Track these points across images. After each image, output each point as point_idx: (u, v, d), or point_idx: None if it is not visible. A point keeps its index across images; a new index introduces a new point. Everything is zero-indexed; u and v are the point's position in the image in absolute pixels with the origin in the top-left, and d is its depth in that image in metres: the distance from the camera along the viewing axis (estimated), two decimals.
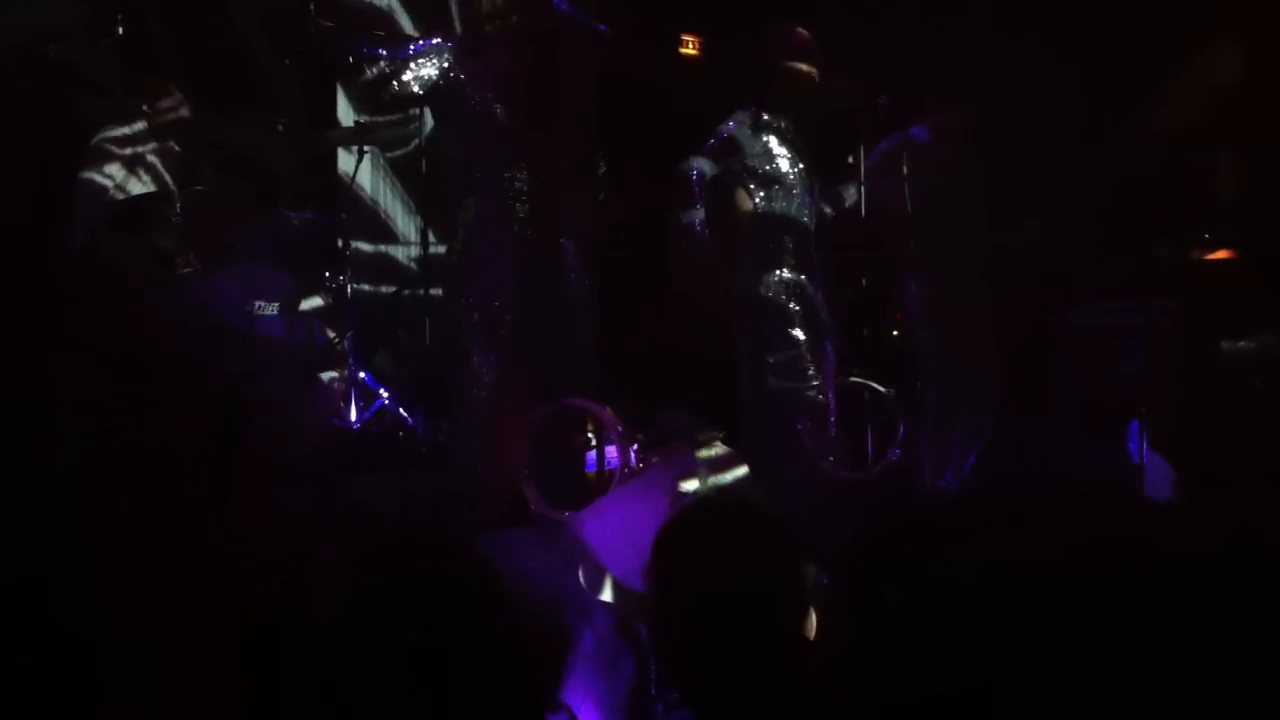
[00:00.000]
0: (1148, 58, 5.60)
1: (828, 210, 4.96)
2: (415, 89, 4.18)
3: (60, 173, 5.23)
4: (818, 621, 2.13)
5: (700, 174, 4.60)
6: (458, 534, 3.89)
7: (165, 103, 5.21)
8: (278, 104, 5.52)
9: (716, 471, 3.77)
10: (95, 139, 5.18)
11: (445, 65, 4.12)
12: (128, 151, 5.24)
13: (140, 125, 5.22)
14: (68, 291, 4.95)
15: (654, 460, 3.82)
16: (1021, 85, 5.78)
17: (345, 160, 6.35)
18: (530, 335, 4.17)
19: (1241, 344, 4.51)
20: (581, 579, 3.26)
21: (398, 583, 1.66)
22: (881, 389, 4.60)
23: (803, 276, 4.73)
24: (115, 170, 5.21)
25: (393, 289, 6.40)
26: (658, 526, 2.97)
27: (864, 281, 4.91)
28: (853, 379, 4.63)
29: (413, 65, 4.16)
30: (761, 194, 4.73)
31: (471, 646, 1.63)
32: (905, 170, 5.19)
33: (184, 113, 5.19)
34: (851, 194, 4.94)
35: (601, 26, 4.05)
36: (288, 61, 5.28)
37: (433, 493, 4.72)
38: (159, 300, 4.81)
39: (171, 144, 5.31)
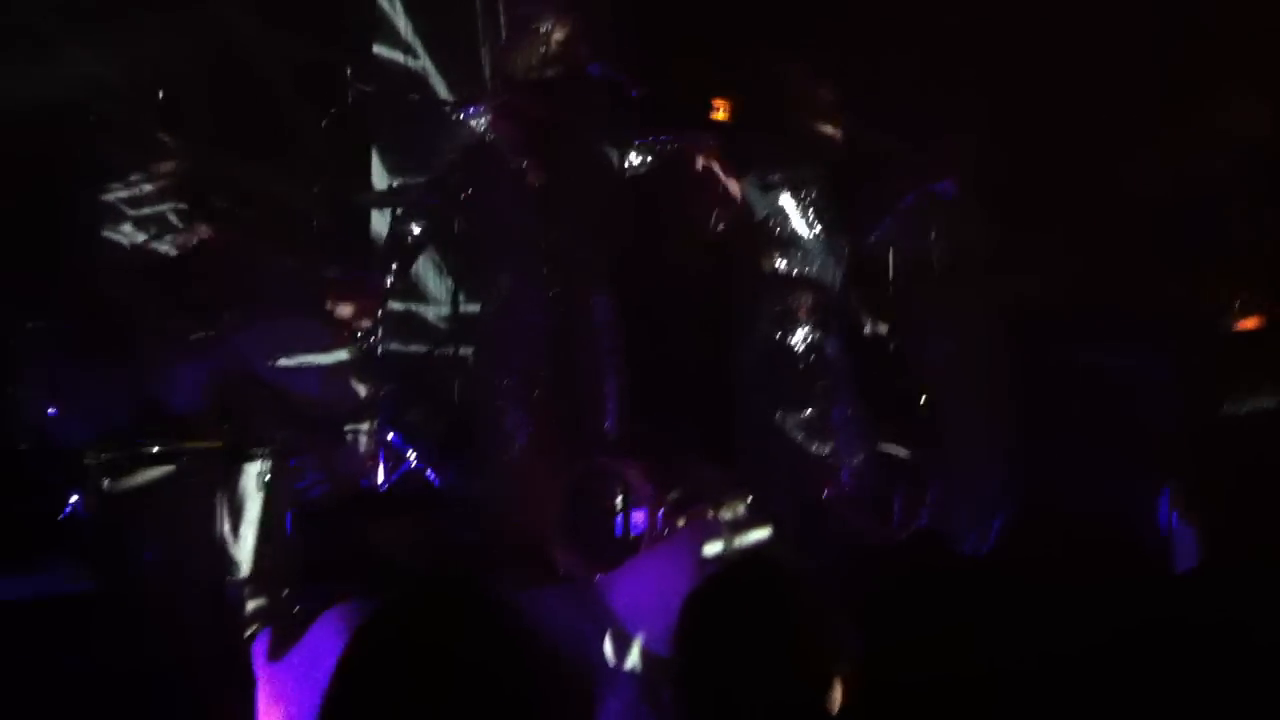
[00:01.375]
0: (1162, 106, 5.63)
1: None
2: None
3: (83, 220, 5.34)
4: (845, 685, 2.13)
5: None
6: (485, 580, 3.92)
7: (165, 166, 5.32)
8: (314, 165, 5.60)
9: (740, 533, 3.76)
10: (108, 197, 5.28)
11: (480, 128, 4.18)
12: (143, 210, 5.34)
13: (149, 186, 5.33)
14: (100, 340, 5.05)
15: (680, 523, 3.83)
16: (1039, 130, 5.80)
17: (379, 220, 6.42)
18: (563, 395, 4.20)
19: (1252, 404, 4.49)
20: (607, 641, 3.26)
21: (428, 608, 1.68)
22: (907, 454, 4.59)
23: (823, 336, 4.74)
24: (129, 228, 5.30)
25: (423, 348, 6.45)
26: (683, 590, 2.97)
27: (892, 345, 4.91)
28: (879, 444, 4.63)
29: None
30: (778, 254, 4.75)
31: (499, 677, 1.65)
32: (931, 225, 5.20)
33: (186, 156, 5.30)
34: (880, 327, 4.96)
35: (634, 92, 4.11)
36: (324, 124, 5.36)
37: (461, 546, 4.74)
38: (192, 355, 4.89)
39: (181, 204, 5.40)
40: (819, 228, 4.79)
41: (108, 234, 5.30)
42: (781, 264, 4.76)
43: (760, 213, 4.76)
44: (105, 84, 5.46)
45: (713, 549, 3.58)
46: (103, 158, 5.38)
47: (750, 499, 3.82)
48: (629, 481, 4.16)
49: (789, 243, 4.76)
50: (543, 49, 4.18)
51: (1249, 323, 5.03)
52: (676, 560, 3.51)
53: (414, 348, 6.53)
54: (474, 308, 5.03)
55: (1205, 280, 5.12)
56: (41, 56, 5.47)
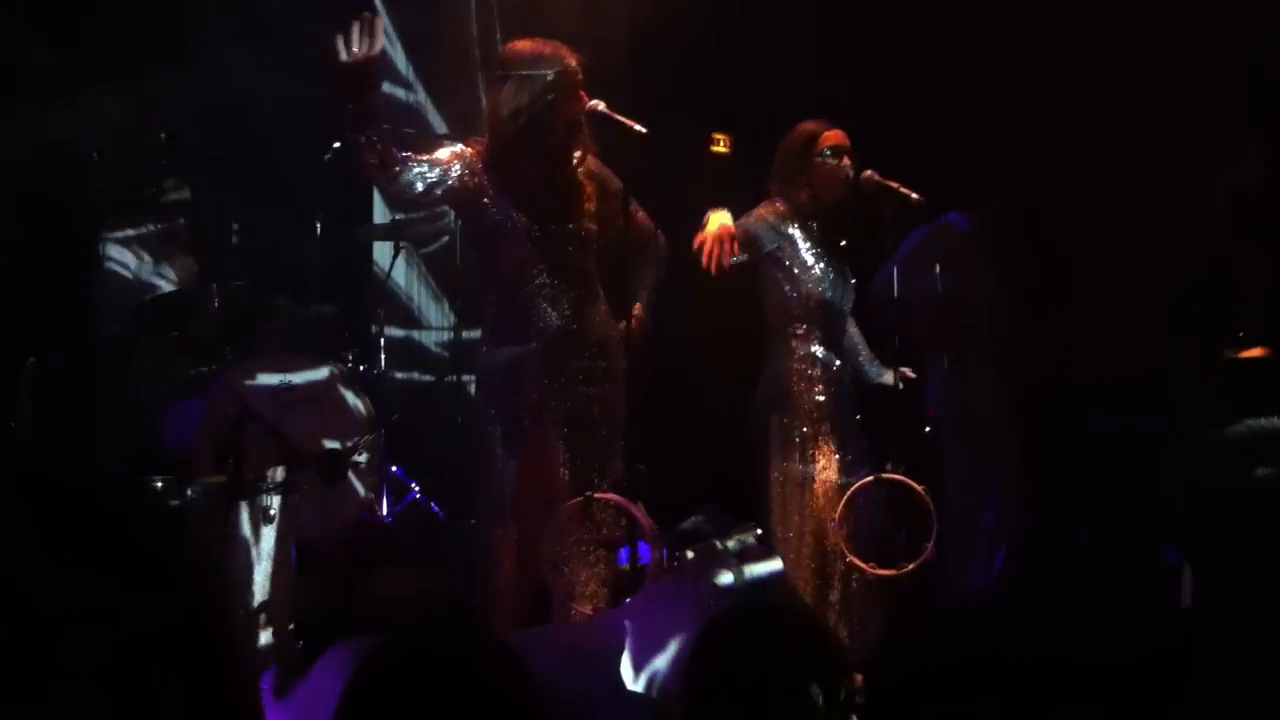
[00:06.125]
0: (1176, 156, 5.65)
1: (870, 372, 4.95)
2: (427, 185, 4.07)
3: (81, 258, 5.34)
4: None
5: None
6: (480, 630, 3.88)
7: (165, 204, 5.33)
8: (314, 201, 5.60)
9: (748, 563, 3.72)
10: (107, 235, 5.29)
11: (464, 170, 4.08)
12: (141, 245, 5.34)
13: (151, 224, 5.33)
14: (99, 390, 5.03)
15: (686, 556, 3.80)
16: (1054, 180, 5.82)
17: (380, 252, 6.43)
18: (556, 431, 4.15)
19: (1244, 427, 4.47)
20: (610, 680, 3.22)
21: (422, 672, 1.67)
22: (915, 485, 4.57)
23: (833, 355, 4.75)
24: (131, 262, 5.31)
25: (425, 377, 6.45)
26: (691, 624, 2.94)
27: (897, 384, 4.88)
28: (884, 474, 4.61)
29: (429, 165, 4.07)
30: (787, 282, 4.76)
31: None
32: (939, 257, 5.22)
33: (185, 194, 5.31)
34: (887, 376, 4.93)
35: (639, 127, 4.05)
36: (326, 158, 5.36)
37: (454, 589, 4.71)
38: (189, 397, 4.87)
39: (182, 234, 5.41)
40: (826, 260, 4.81)
41: (106, 271, 5.31)
42: (790, 289, 4.76)
43: (769, 244, 4.77)
44: (107, 124, 5.48)
45: (721, 580, 3.55)
46: (103, 196, 5.39)
47: (758, 530, 3.79)
48: (631, 514, 4.13)
49: (797, 270, 4.77)
50: (540, 91, 4.08)
51: (1252, 352, 5.03)
52: (683, 594, 3.48)
53: (416, 377, 6.53)
54: (476, 334, 5.00)
55: (1211, 326, 5.14)
56: (47, 98, 5.49)
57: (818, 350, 4.74)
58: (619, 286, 4.30)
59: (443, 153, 4.09)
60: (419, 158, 3.99)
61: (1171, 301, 5.46)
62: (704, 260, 4.39)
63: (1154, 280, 5.54)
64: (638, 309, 4.28)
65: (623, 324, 4.22)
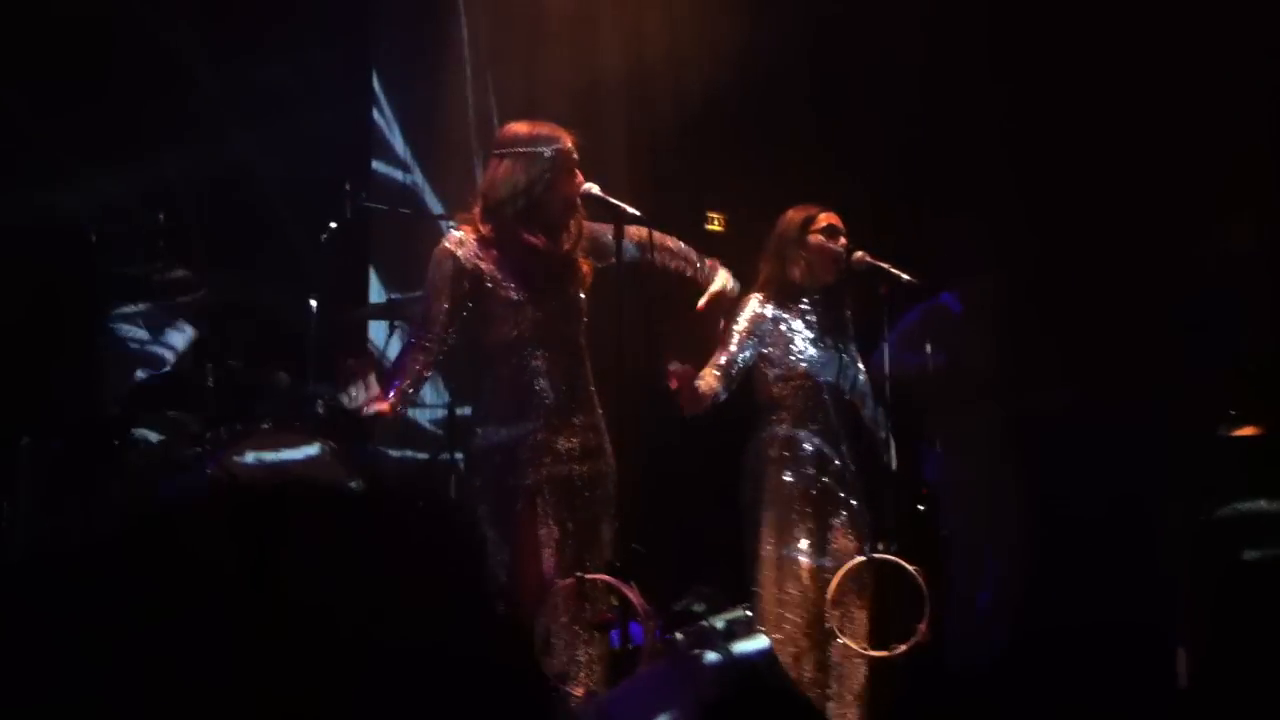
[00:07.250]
0: (1167, 221, 5.70)
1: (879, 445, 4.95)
2: None
3: (79, 337, 5.36)
4: None
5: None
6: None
7: (165, 283, 5.36)
8: (311, 280, 5.64)
9: (735, 641, 3.70)
10: (110, 315, 5.31)
11: (456, 276, 4.14)
12: (137, 325, 5.36)
13: (148, 303, 5.35)
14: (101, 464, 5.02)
15: (677, 638, 3.78)
16: (1044, 243, 5.87)
17: (376, 330, 6.46)
18: (549, 511, 4.15)
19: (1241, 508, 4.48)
20: None
21: None
22: (907, 564, 4.56)
23: (815, 435, 4.74)
24: (128, 342, 5.33)
25: (419, 455, 6.44)
26: (681, 706, 2.92)
27: (888, 462, 4.89)
28: (877, 554, 4.60)
29: None
30: (765, 364, 4.79)
31: None
32: (932, 335, 5.26)
33: (182, 272, 5.33)
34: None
35: (632, 210, 4.10)
36: (323, 237, 5.40)
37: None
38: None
39: (178, 313, 5.43)
40: (824, 342, 4.82)
41: (102, 352, 5.32)
42: (777, 373, 4.78)
43: (757, 335, 4.79)
44: (107, 202, 5.53)
45: (708, 659, 3.53)
46: (102, 275, 5.42)
47: (748, 611, 3.78)
48: (624, 595, 4.12)
49: (785, 357, 4.79)
50: (538, 170, 4.13)
51: (1245, 431, 5.05)
52: (673, 676, 3.46)
53: (410, 454, 6.51)
54: (469, 411, 5.02)
55: (1203, 388, 5.16)
56: (46, 176, 5.54)
57: (792, 431, 4.73)
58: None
59: (434, 283, 4.14)
60: (429, 332, 4.06)
61: (1165, 355, 5.47)
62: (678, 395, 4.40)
63: (1150, 336, 5.55)
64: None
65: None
